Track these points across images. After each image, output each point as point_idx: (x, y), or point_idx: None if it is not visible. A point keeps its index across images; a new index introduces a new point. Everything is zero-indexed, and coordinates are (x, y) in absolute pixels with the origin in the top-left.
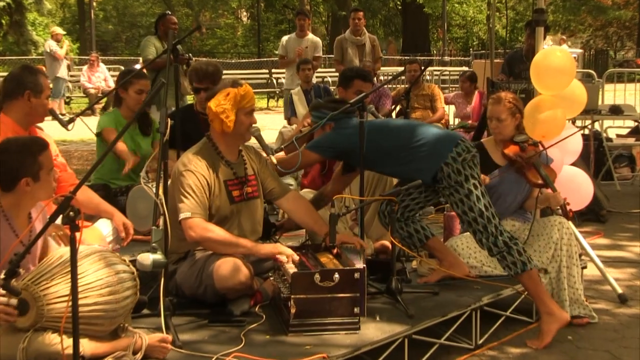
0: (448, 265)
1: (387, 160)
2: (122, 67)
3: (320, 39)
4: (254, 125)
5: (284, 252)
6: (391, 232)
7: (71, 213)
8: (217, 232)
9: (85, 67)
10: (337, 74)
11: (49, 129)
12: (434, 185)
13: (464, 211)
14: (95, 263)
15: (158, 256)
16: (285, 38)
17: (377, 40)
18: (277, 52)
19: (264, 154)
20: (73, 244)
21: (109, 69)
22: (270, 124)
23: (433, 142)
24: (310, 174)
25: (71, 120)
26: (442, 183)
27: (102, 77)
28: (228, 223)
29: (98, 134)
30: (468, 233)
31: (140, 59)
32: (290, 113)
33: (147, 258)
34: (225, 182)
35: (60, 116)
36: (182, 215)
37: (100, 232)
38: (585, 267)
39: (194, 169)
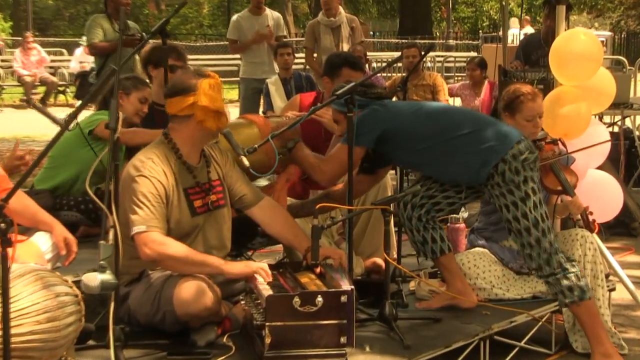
0: (455, 291)
1: (424, 153)
2: (64, 51)
3: (280, 15)
4: None
5: (259, 270)
6: (384, 245)
7: (2, 225)
8: (177, 249)
9: (18, 51)
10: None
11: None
12: (479, 184)
13: (515, 217)
14: (30, 284)
15: (107, 276)
16: (237, 17)
17: (357, 21)
18: (227, 35)
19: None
20: (4, 261)
21: (49, 53)
22: None
23: (490, 134)
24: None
25: (71, 119)
26: (492, 180)
27: (42, 61)
28: (190, 238)
29: (90, 132)
30: (476, 249)
31: (84, 41)
32: (266, 106)
33: (94, 279)
34: (185, 191)
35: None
36: (135, 229)
37: (37, 248)
38: (613, 290)
39: (149, 174)
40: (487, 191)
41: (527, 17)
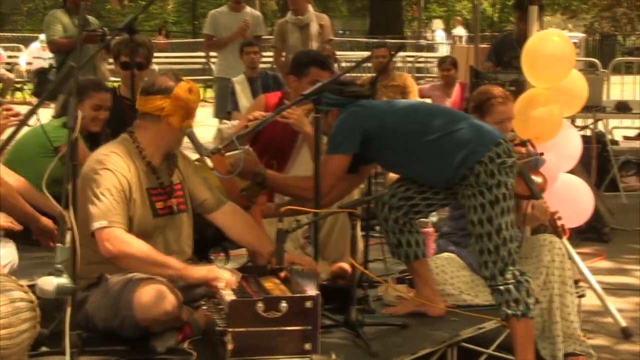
0: (423, 298)
1: (405, 153)
2: (22, 47)
3: (260, 14)
4: None
5: (221, 277)
6: (351, 250)
7: None
8: (139, 248)
9: None
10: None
11: None
12: (455, 184)
13: (480, 220)
14: None
15: (63, 280)
16: (213, 12)
17: (326, 19)
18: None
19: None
20: None
21: (5, 49)
22: (207, 119)
23: (470, 133)
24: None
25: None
26: (466, 181)
27: None
28: (150, 241)
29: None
30: (445, 254)
31: (44, 37)
32: (231, 106)
33: (50, 282)
34: (148, 191)
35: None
36: (96, 224)
37: None
38: (583, 296)
39: (114, 168)
40: (460, 191)
41: (459, 18)
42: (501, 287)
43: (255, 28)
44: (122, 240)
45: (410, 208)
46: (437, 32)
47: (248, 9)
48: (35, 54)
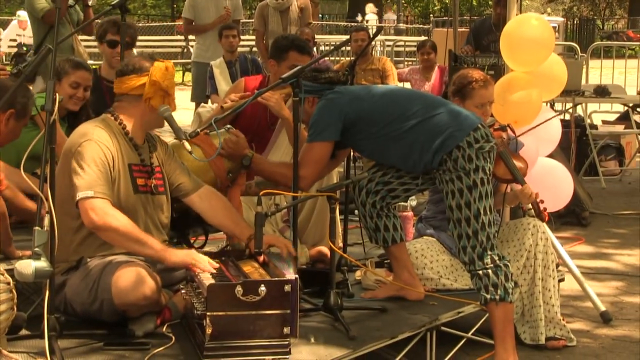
0: (402, 282)
1: (382, 139)
2: (1, 29)
3: None
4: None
5: (200, 262)
6: (330, 233)
7: None
8: (122, 222)
9: None
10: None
11: None
12: (432, 169)
13: (458, 205)
14: None
15: (42, 264)
16: None
17: (307, 2)
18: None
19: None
20: None
21: None
22: (185, 103)
23: (448, 119)
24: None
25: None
26: (445, 165)
27: None
28: (130, 217)
29: None
30: (424, 238)
31: (23, 14)
32: (210, 89)
33: (28, 266)
34: (129, 166)
35: None
36: (80, 194)
37: None
38: (562, 280)
39: (97, 139)
40: (438, 176)
41: (389, 2)
42: (480, 272)
43: (234, 12)
44: (106, 212)
45: (387, 192)
46: (369, 15)
47: None
48: (12, 37)
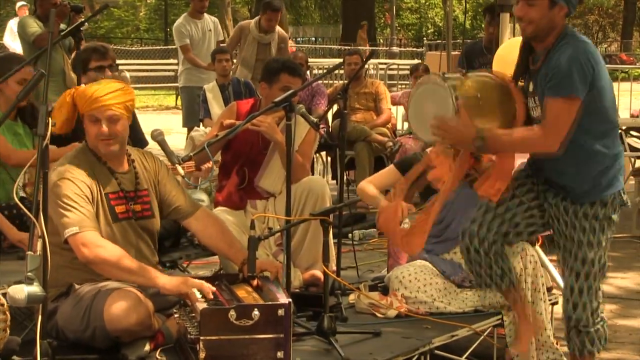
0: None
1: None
2: None
3: (216, 19)
4: (156, 128)
5: (193, 294)
6: (323, 257)
7: None
8: (113, 253)
9: None
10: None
11: None
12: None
13: (592, 260)
14: None
15: (34, 288)
16: (180, 23)
17: (286, 40)
18: (178, 43)
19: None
20: None
21: None
22: (178, 127)
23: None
24: (226, 188)
25: None
26: (592, 209)
27: None
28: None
29: None
30: (417, 262)
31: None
32: (203, 113)
33: (21, 291)
34: (106, 195)
35: None
36: (67, 232)
37: None
38: (556, 303)
39: (71, 176)
40: (570, 217)
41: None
42: (581, 329)
43: (216, 34)
44: (96, 244)
45: (509, 231)
46: None
47: (206, 15)
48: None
